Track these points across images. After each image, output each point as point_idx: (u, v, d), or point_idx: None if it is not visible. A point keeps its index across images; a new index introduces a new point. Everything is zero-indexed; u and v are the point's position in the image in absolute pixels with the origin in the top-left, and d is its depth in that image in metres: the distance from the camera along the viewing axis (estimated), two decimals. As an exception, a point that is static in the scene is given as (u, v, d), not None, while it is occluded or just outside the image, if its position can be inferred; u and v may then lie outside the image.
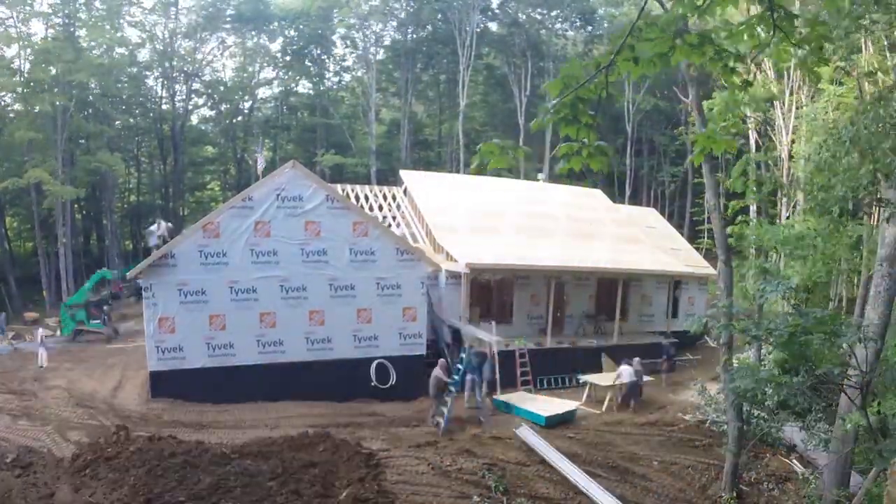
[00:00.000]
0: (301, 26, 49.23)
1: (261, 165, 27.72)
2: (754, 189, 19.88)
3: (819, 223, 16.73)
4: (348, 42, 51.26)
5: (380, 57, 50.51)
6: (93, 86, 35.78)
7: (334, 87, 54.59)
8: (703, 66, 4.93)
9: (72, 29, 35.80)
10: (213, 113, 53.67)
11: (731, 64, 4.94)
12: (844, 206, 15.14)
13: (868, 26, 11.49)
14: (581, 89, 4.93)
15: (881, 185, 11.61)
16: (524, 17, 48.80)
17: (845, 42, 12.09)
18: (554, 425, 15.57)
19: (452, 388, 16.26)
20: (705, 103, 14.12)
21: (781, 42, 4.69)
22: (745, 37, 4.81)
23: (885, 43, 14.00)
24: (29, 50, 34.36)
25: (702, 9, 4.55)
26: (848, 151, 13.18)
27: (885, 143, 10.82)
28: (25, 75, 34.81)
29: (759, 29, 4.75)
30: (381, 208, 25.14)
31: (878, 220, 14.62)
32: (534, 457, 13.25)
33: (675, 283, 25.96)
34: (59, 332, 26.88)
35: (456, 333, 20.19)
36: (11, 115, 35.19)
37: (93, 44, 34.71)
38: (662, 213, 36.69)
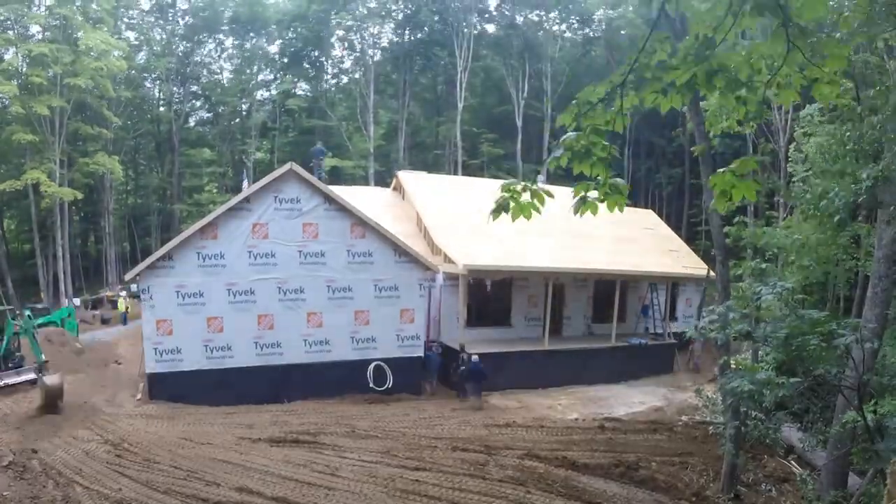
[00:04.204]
0: (299, 28, 49.25)
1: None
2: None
3: (815, 227, 16.74)
4: (346, 44, 51.30)
5: (377, 59, 50.53)
6: (92, 87, 35.73)
7: (332, 89, 54.62)
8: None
9: (69, 31, 35.76)
10: (210, 115, 53.72)
11: (742, 94, 4.78)
12: (845, 214, 15.13)
13: (866, 22, 11.50)
14: (596, 119, 4.70)
15: (880, 187, 11.62)
16: (521, 18, 48.84)
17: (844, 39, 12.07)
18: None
19: None
20: (702, 103, 14.10)
21: (792, 69, 4.53)
22: (755, 69, 4.65)
23: (884, 45, 14.01)
24: (26, 52, 34.32)
25: (720, 28, 4.41)
26: (847, 154, 13.22)
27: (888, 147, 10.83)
28: (23, 77, 34.78)
29: (766, 52, 4.62)
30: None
31: (875, 221, 14.63)
32: (531, 456, 13.26)
33: (673, 284, 25.99)
34: None
35: None
36: (9, 117, 35.12)
37: (90, 45, 34.65)
38: (660, 215, 36.70)
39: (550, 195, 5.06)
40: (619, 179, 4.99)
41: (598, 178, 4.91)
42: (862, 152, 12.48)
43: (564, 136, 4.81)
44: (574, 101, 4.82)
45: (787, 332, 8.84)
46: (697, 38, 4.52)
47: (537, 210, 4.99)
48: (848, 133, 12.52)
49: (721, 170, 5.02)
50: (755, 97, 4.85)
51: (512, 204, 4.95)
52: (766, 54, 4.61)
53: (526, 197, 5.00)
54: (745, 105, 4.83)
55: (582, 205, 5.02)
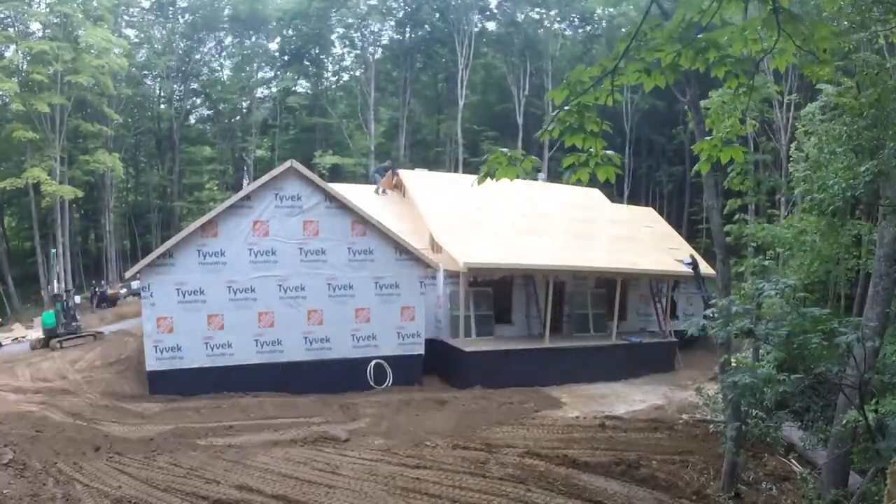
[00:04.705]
0: (300, 26, 49.18)
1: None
2: (753, 188, 19.88)
3: (818, 222, 16.72)
4: (346, 42, 51.24)
5: (378, 56, 50.50)
6: (92, 84, 35.68)
7: (332, 86, 54.58)
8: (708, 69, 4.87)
9: (69, 28, 35.71)
10: (210, 112, 53.70)
11: (734, 69, 4.88)
12: (843, 206, 15.11)
13: (866, 22, 11.47)
14: (586, 96, 4.87)
15: (881, 183, 11.59)
16: (522, 16, 48.78)
17: (843, 40, 12.07)
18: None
19: None
20: (703, 103, 14.05)
21: (785, 44, 4.62)
22: (748, 40, 4.73)
23: (884, 42, 13.96)
24: (27, 49, 34.25)
25: (706, 11, 4.49)
26: (846, 151, 13.18)
27: (889, 143, 10.78)
28: (24, 75, 34.73)
29: (761, 31, 4.69)
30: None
31: (876, 220, 14.61)
32: (531, 454, 13.26)
33: (675, 283, 25.98)
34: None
35: None
36: (9, 115, 35.08)
37: (90, 43, 34.57)
38: (661, 213, 36.69)
39: (537, 165, 5.41)
40: (610, 151, 5.19)
41: (591, 149, 5.12)
42: (859, 147, 12.44)
43: (557, 111, 5.02)
44: (565, 81, 4.98)
45: (788, 329, 8.82)
46: (683, 19, 4.58)
47: (520, 174, 5.23)
48: (845, 127, 12.49)
49: (708, 138, 5.18)
50: (746, 67, 4.96)
51: (497, 169, 5.22)
52: (759, 29, 4.67)
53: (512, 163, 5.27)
54: (736, 77, 4.89)
55: (573, 173, 5.25)
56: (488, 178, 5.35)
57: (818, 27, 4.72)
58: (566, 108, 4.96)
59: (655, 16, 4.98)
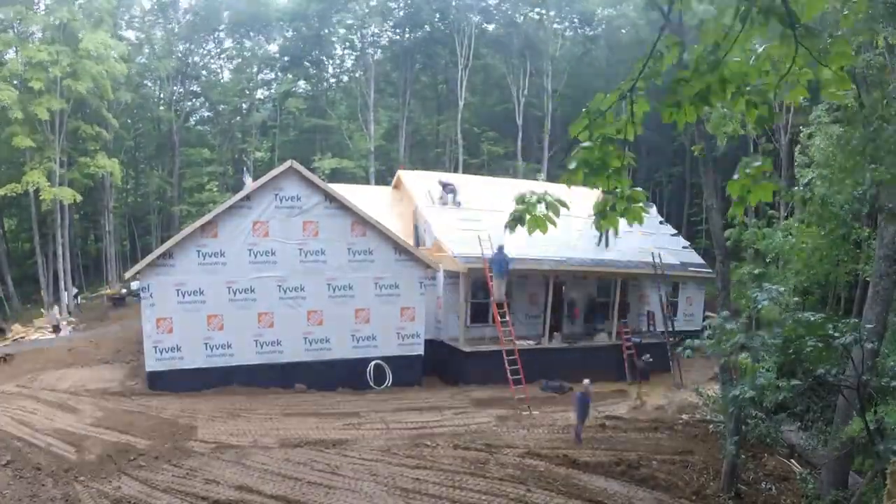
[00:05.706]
0: (301, 28, 49.14)
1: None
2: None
3: (816, 233, 16.69)
4: (346, 43, 51.20)
5: (377, 58, 50.46)
6: (92, 88, 35.55)
7: (332, 88, 54.52)
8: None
9: (69, 30, 35.55)
10: (210, 114, 53.65)
11: (753, 100, 4.58)
12: (844, 218, 15.10)
13: (874, 27, 11.44)
14: (608, 129, 4.48)
15: (880, 189, 11.60)
16: (522, 17, 48.75)
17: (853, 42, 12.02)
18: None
19: None
20: (705, 108, 14.00)
21: (799, 74, 4.44)
22: (761, 72, 4.57)
23: (884, 44, 13.93)
24: (27, 58, 34.05)
25: (728, 37, 4.33)
26: (851, 157, 13.15)
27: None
28: (22, 80, 34.55)
29: (775, 61, 4.54)
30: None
31: (876, 224, 14.59)
32: (531, 454, 13.27)
33: (674, 283, 25.97)
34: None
35: None
36: (10, 119, 34.91)
37: (90, 49, 34.36)
38: (660, 213, 36.62)
39: (565, 206, 4.89)
40: (637, 189, 4.72)
41: (617, 189, 4.63)
42: (864, 154, 12.42)
43: (577, 148, 4.53)
44: (584, 110, 4.62)
45: (784, 337, 8.82)
46: (705, 49, 4.41)
47: (552, 223, 4.79)
48: (852, 136, 12.46)
49: (736, 175, 4.86)
50: (763, 98, 4.73)
51: (528, 216, 4.83)
52: (775, 56, 4.53)
53: (541, 209, 4.85)
54: (755, 107, 4.67)
55: (601, 219, 4.79)
56: (518, 225, 4.95)
57: (836, 44, 4.55)
58: (585, 144, 4.48)
59: (671, 35, 4.75)
